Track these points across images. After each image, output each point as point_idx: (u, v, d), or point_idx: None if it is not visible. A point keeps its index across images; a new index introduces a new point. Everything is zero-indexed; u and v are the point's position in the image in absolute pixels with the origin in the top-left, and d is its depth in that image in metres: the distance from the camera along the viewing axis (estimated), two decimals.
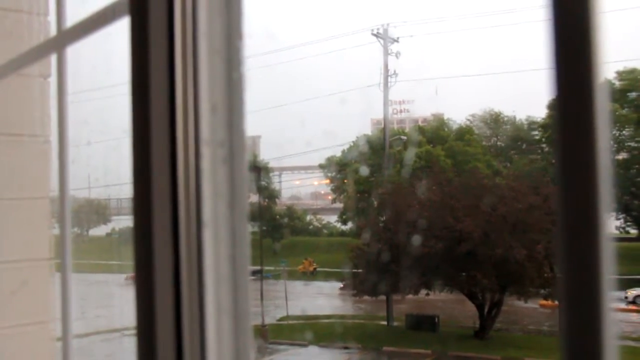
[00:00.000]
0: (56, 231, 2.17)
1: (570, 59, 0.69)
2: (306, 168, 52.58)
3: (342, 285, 33.35)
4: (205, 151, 1.20)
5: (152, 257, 1.22)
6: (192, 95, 1.20)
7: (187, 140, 1.20)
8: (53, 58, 2.08)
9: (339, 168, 43.44)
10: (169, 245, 1.20)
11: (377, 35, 36.24)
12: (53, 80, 2.47)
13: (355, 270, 26.39)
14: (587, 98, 0.68)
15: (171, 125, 1.20)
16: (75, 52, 1.91)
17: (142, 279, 1.25)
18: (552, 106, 0.73)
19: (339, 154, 43.59)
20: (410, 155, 35.83)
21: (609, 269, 0.68)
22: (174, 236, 1.20)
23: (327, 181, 47.18)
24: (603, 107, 0.68)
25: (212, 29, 1.21)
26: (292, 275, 35.75)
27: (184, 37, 1.21)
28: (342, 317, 28.42)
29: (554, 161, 0.71)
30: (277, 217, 45.35)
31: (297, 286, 34.62)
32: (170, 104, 1.20)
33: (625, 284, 26.23)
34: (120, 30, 1.41)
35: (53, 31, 2.16)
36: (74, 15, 1.88)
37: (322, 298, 33.05)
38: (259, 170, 39.65)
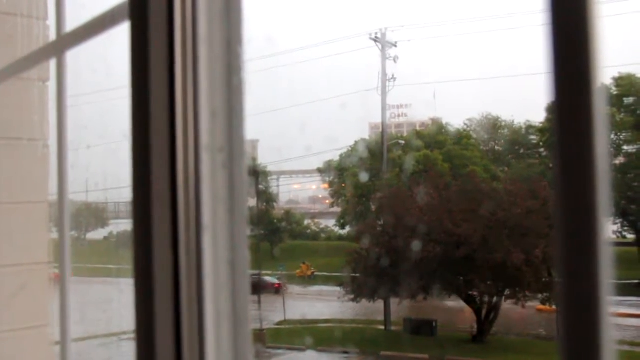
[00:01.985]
0: (54, 235, 2.17)
1: (568, 63, 0.70)
2: (304, 172, 52.52)
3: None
4: (205, 156, 1.20)
5: (152, 261, 1.22)
6: (192, 101, 1.21)
7: (187, 145, 1.21)
8: (52, 62, 2.08)
9: (337, 172, 43.42)
10: (169, 249, 1.21)
11: (375, 40, 36.28)
12: (52, 84, 2.47)
13: (354, 275, 26.34)
14: (585, 102, 0.68)
15: (171, 130, 1.21)
16: (74, 55, 1.91)
17: (142, 283, 1.26)
18: (550, 110, 0.73)
19: (337, 158, 43.60)
20: (408, 159, 35.83)
21: (607, 273, 0.68)
22: (173, 240, 1.21)
23: (326, 185, 47.15)
24: (601, 111, 0.68)
25: (212, 34, 1.21)
26: (290, 280, 35.74)
27: (184, 42, 1.21)
28: (340, 321, 28.39)
29: (552, 165, 0.71)
30: (275, 221, 45.30)
31: (294, 290, 34.56)
32: (170, 109, 1.21)
33: (622, 289, 26.20)
34: (120, 33, 1.42)
35: (52, 35, 2.16)
36: (74, 19, 1.88)
37: (320, 302, 32.98)
38: (257, 174, 39.65)
